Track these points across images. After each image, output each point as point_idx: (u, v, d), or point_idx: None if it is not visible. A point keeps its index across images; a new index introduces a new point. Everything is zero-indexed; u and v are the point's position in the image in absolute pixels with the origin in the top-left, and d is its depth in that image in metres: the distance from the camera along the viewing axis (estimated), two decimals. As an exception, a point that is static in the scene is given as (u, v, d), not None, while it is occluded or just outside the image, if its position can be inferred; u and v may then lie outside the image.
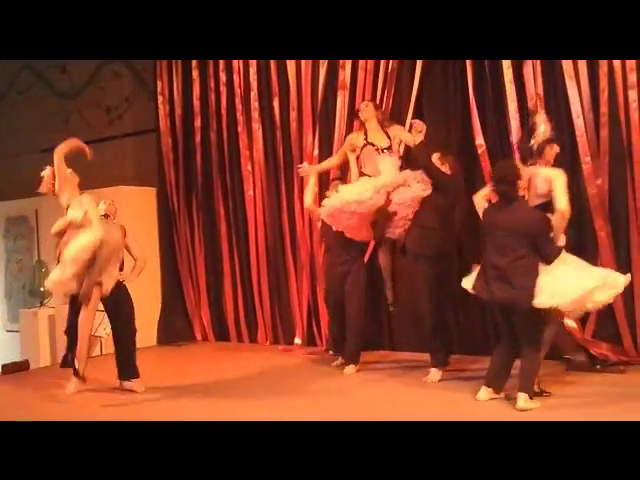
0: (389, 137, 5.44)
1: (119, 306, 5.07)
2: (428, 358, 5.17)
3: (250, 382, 5.27)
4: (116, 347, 5.14)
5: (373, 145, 5.36)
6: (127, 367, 5.08)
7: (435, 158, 5.10)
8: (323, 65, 6.58)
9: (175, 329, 7.46)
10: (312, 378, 5.31)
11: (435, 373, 5.01)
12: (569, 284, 3.99)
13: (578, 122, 5.35)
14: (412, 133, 5.16)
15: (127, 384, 5.06)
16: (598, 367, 5.00)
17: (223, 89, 7.22)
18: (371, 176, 5.29)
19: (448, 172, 5.08)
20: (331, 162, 5.85)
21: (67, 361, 5.08)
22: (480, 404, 4.18)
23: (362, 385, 5.05)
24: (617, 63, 5.23)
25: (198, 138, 7.42)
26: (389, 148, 5.39)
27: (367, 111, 5.48)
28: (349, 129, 6.40)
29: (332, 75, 6.56)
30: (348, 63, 6.42)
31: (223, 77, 7.22)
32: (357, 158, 5.47)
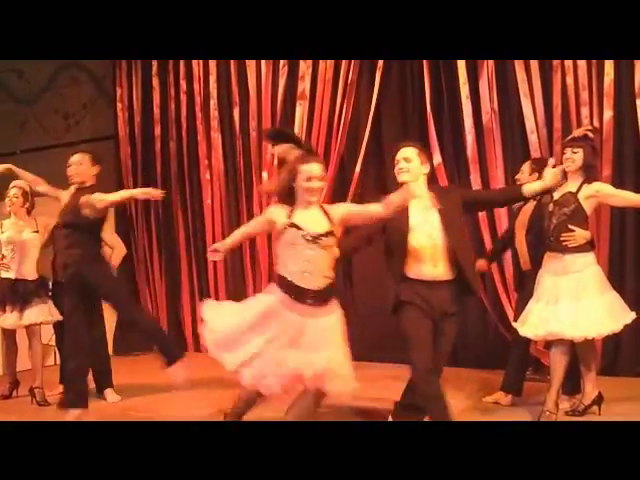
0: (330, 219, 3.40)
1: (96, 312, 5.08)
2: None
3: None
4: (93, 357, 5.03)
5: (299, 229, 3.29)
6: (106, 376, 5.12)
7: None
8: (283, 75, 6.62)
9: (131, 339, 7.35)
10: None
11: None
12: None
13: (532, 138, 5.48)
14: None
15: (107, 392, 5.08)
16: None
17: (183, 97, 7.21)
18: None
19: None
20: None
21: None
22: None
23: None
24: (570, 80, 5.38)
25: (157, 146, 7.39)
26: (327, 235, 3.31)
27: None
28: (308, 139, 6.45)
29: (292, 85, 6.60)
30: (308, 74, 6.47)
31: (183, 85, 7.20)
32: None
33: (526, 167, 4.51)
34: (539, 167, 4.37)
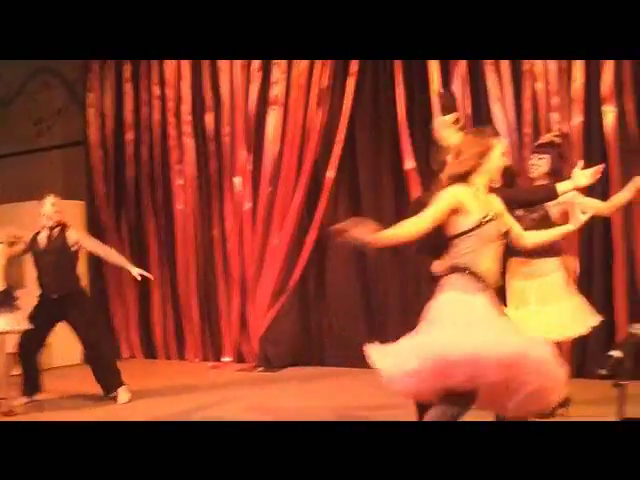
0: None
1: (88, 318, 5.11)
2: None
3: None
4: (94, 361, 5.14)
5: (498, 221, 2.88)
6: (112, 376, 5.10)
7: None
8: (257, 80, 6.57)
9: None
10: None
11: None
12: None
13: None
14: None
15: (120, 391, 5.07)
16: None
17: (155, 102, 7.14)
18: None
19: None
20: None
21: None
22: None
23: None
24: (541, 86, 5.41)
25: (129, 151, 7.31)
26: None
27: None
28: (282, 145, 6.42)
29: (266, 91, 6.55)
30: (282, 79, 6.44)
31: (156, 90, 7.14)
32: None
33: None
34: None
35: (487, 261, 2.80)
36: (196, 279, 6.92)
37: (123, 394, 5.08)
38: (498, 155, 2.86)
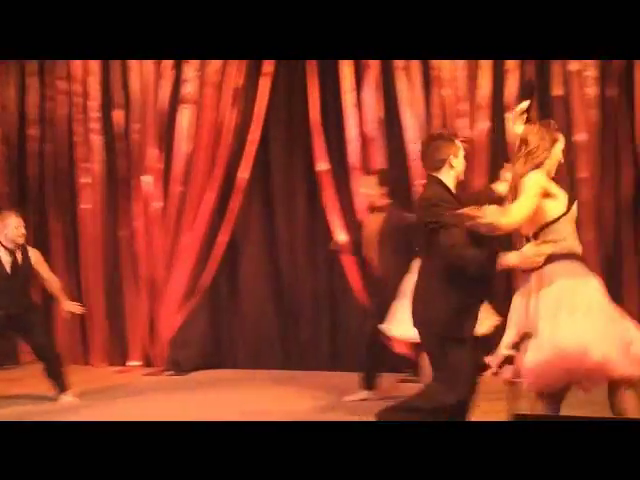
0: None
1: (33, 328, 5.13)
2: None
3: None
4: (46, 362, 5.16)
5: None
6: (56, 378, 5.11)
7: None
8: (169, 78, 6.43)
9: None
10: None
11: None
12: None
13: (412, 147, 5.57)
14: None
15: (64, 397, 5.07)
16: None
17: (61, 98, 6.86)
18: None
19: None
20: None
21: None
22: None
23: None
24: (449, 91, 5.53)
25: (32, 148, 6.98)
26: None
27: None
28: (194, 144, 6.29)
29: (178, 89, 6.40)
30: (194, 77, 6.32)
31: (62, 85, 6.86)
32: None
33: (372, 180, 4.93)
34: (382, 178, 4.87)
35: (579, 242, 2.90)
36: (102, 281, 6.67)
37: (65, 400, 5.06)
38: (560, 150, 2.95)
